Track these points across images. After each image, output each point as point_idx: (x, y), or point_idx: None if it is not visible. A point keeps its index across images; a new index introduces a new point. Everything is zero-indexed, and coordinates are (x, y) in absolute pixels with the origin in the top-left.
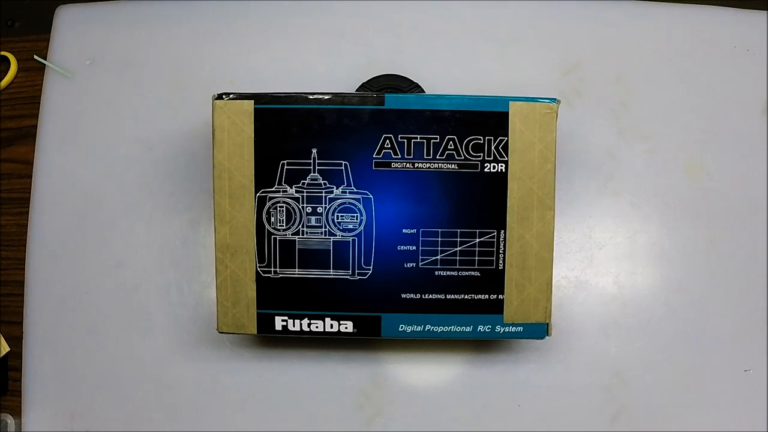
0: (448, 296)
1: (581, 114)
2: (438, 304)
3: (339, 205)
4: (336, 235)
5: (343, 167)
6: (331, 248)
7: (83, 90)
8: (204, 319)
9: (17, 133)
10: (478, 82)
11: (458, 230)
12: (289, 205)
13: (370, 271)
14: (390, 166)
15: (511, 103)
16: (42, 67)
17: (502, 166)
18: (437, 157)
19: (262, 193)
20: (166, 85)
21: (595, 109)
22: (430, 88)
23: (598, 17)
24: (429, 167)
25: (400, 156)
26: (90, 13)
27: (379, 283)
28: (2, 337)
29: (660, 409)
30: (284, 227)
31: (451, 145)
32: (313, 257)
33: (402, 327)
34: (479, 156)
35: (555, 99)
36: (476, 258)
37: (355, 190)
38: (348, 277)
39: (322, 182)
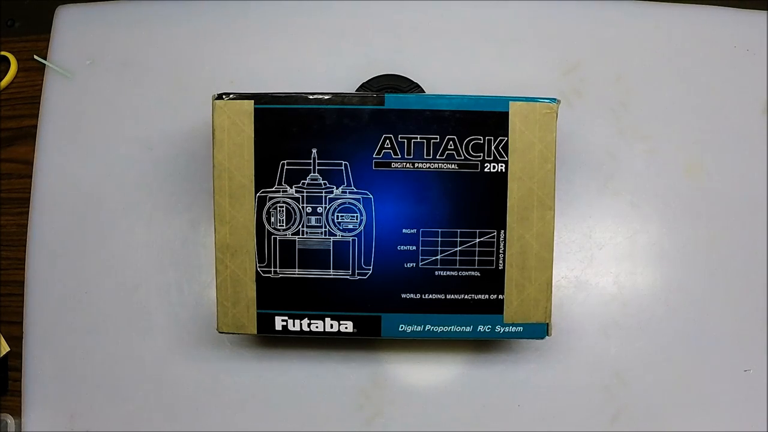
0: (448, 296)
1: (581, 114)
2: (438, 304)
3: (339, 205)
4: (336, 235)
5: (343, 167)
6: (331, 248)
7: (83, 90)
8: (204, 319)
9: (17, 133)
10: (478, 82)
11: (458, 230)
12: (289, 205)
13: (370, 271)
14: (390, 166)
15: (511, 103)
16: (42, 67)
17: (502, 166)
18: (437, 157)
19: (262, 193)
20: (166, 85)
21: (595, 109)
22: (430, 88)
23: (598, 17)
24: (429, 167)
25: (400, 156)
26: (90, 13)
27: (379, 283)
28: (2, 337)
29: (660, 409)
30: (284, 227)
31: (451, 145)
32: (313, 257)
33: (402, 327)
34: (479, 156)
35: (555, 99)
36: (476, 258)
37: (355, 190)
38: (348, 277)
39: (322, 182)
